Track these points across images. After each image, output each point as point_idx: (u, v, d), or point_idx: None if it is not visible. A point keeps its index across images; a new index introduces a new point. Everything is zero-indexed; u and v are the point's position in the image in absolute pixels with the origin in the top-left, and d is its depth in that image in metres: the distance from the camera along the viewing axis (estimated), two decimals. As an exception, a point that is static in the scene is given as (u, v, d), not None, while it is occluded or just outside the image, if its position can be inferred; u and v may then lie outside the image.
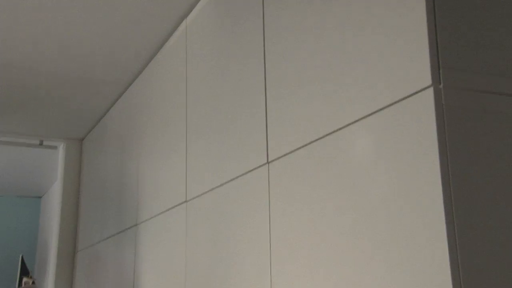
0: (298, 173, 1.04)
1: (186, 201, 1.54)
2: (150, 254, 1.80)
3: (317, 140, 0.99)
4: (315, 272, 0.97)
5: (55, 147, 2.88)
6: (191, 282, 1.46)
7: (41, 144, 2.80)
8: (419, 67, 0.76)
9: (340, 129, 0.92)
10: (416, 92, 0.76)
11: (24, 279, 3.16)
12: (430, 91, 0.73)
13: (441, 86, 0.74)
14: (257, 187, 1.18)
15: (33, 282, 3.17)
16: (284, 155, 1.09)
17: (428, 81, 0.74)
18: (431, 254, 0.72)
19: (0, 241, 3.70)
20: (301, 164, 1.03)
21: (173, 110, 1.72)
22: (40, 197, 4.10)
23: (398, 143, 0.80)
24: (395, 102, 0.80)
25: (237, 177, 1.27)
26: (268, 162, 1.14)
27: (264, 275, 1.12)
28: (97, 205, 2.44)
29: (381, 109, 0.83)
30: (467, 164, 0.73)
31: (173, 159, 1.68)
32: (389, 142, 0.81)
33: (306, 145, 1.02)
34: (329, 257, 0.93)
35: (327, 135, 0.96)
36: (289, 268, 1.04)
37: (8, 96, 2.27)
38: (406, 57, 0.78)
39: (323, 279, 0.94)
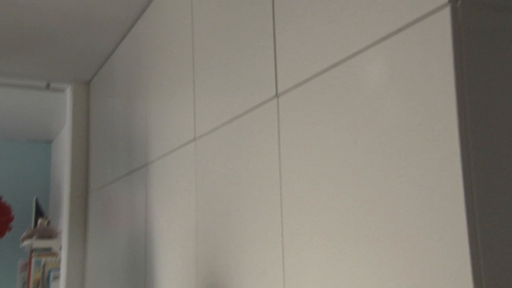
0: (308, 105, 1.02)
1: (194, 139, 1.53)
2: (161, 193, 1.82)
3: (328, 69, 0.96)
4: (326, 203, 0.97)
5: (62, 90, 2.86)
6: (202, 220, 1.47)
7: (48, 87, 2.79)
8: (436, -14, 0.72)
9: (351, 56, 0.89)
10: (432, 12, 0.72)
11: (39, 220, 3.23)
12: (447, 10, 0.70)
13: (458, 4, 0.70)
14: (266, 121, 1.16)
15: (48, 223, 3.24)
16: (294, 87, 1.06)
17: None
18: (446, 181, 0.71)
19: (14, 185, 3.76)
20: (311, 96, 1.01)
21: (179, 47, 1.68)
22: (50, 142, 4.13)
23: (412, 68, 0.77)
24: (409, 25, 0.76)
25: (245, 112, 1.25)
26: (277, 95, 1.12)
27: (274, 210, 1.12)
28: (107, 147, 2.45)
29: (393, 33, 0.79)
30: (485, 89, 0.71)
31: (180, 97, 1.66)
32: (403, 67, 0.78)
33: (316, 75, 0.99)
34: (341, 189, 0.93)
35: (338, 63, 0.93)
36: (300, 200, 1.04)
37: (12, 37, 2.24)
38: (422, -24, 0.74)
39: (335, 211, 0.94)
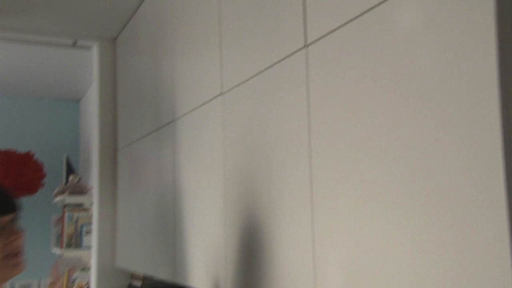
0: (338, 54, 0.99)
1: (222, 94, 1.52)
2: (188, 148, 1.83)
3: (360, 15, 0.93)
4: (357, 156, 0.95)
5: (88, 48, 2.87)
6: (229, 174, 1.48)
7: (74, 44, 2.79)
8: None
9: (383, 1, 0.86)
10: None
11: (71, 177, 3.30)
12: None
13: None
14: (295, 73, 1.14)
15: (79, 180, 3.32)
16: (324, 36, 1.03)
17: None
18: (483, 131, 0.68)
19: (45, 143, 3.84)
20: (342, 45, 0.98)
21: (205, 1, 1.65)
22: (78, 101, 4.18)
23: (449, 12, 0.73)
24: (448, -34, 0.73)
25: (273, 64, 1.23)
26: (306, 45, 1.09)
27: (303, 163, 1.12)
28: (134, 104, 2.47)
29: (431, -25, 0.76)
30: (526, 32, 0.67)
31: (207, 52, 1.64)
32: (439, 11, 0.75)
33: (347, 22, 0.96)
34: (373, 141, 0.91)
35: (370, 9, 0.90)
36: (329, 153, 1.03)
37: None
38: None
39: (366, 163, 0.93)
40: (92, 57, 2.89)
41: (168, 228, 1.95)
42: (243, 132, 1.40)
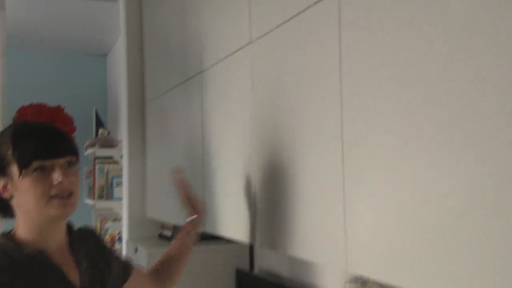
0: (372, -3, 0.96)
1: (250, 42, 1.50)
2: (216, 99, 1.82)
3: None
4: (389, 101, 0.94)
5: (115, 0, 2.85)
6: (258, 126, 1.48)
7: (100, -4, 2.78)
8: None
9: None
10: None
11: (100, 130, 3.36)
12: None
13: None
14: (327, 18, 1.11)
15: (108, 133, 3.37)
16: (357, -22, 1.00)
17: None
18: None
19: (74, 97, 3.89)
20: (376, -13, 0.95)
21: None
22: (105, 55, 4.19)
23: None
24: None
25: (303, 10, 1.20)
26: (338, -11, 1.06)
27: (333, 110, 1.10)
28: (161, 56, 2.46)
29: None
30: None
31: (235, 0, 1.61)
32: None
33: (382, -37, 0.93)
34: (406, 85, 0.89)
35: None
36: (361, 101, 1.01)
37: None
38: None
39: (400, 108, 0.91)
40: (119, 10, 2.87)
41: (197, 178, 1.98)
42: (272, 82, 1.38)
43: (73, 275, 1.20)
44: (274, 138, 1.39)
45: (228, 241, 2.34)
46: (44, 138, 1.14)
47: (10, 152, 1.13)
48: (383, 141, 0.96)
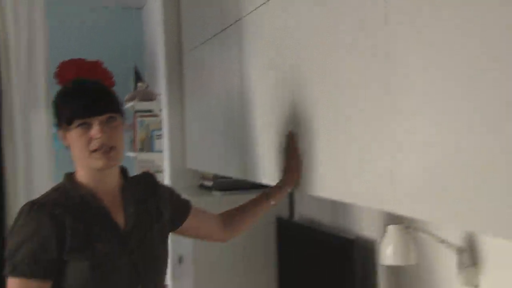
0: None
1: (289, -14, 1.47)
2: (254, 48, 1.81)
3: None
4: (437, 26, 0.91)
5: (149, -50, 2.82)
6: (297, 76, 1.46)
7: None
8: None
9: None
10: None
11: (139, 84, 3.40)
12: None
13: None
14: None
15: (147, 87, 3.41)
16: None
17: None
18: None
19: (111, 52, 3.90)
20: None
21: None
22: (141, 8, 4.19)
23: None
24: None
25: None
26: None
27: (379, 40, 1.08)
28: (197, 6, 2.44)
29: None
30: None
31: None
32: None
33: None
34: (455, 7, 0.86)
35: None
36: (407, 19, 0.99)
37: None
38: None
39: (448, 35, 0.89)
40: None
41: (237, 128, 1.99)
42: (313, 27, 1.36)
43: (119, 218, 1.32)
44: (315, 85, 1.38)
45: (268, 190, 2.37)
46: (86, 98, 1.27)
47: (60, 110, 1.31)
48: (432, 83, 0.94)
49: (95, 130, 1.25)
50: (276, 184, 1.58)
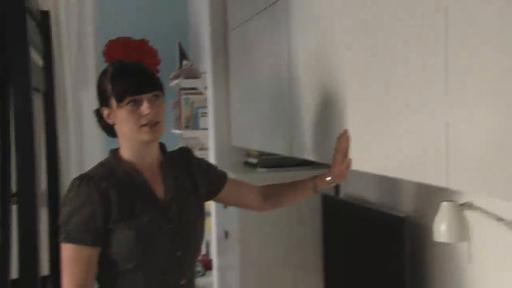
0: None
1: (340, -41, 1.44)
2: (303, 27, 1.79)
3: None
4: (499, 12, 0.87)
5: None
6: (350, 50, 1.44)
7: None
8: None
9: None
10: None
11: (184, 62, 3.43)
12: None
13: None
14: None
15: (191, 65, 3.43)
16: None
17: None
18: None
19: (157, 30, 3.94)
20: None
21: None
22: (185, -14, 4.20)
23: None
24: None
25: None
26: None
27: (437, 20, 1.05)
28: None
29: None
30: None
31: None
32: None
33: None
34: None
35: None
36: (468, 13, 0.95)
37: None
38: None
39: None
40: None
41: (284, 104, 1.98)
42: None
43: (159, 190, 1.42)
44: (370, 57, 1.36)
45: (315, 167, 2.36)
46: (135, 77, 1.37)
47: (109, 88, 1.37)
48: (489, 54, 0.90)
49: (145, 107, 1.35)
50: (325, 174, 1.63)
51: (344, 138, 1.47)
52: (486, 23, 0.91)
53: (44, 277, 2.19)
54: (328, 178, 1.61)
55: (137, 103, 1.35)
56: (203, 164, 1.60)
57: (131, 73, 1.38)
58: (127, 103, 1.34)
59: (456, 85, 1.00)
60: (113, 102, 1.36)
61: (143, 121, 1.35)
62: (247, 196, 1.67)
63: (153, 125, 1.36)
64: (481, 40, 0.93)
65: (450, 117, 1.02)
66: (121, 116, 1.36)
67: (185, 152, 1.58)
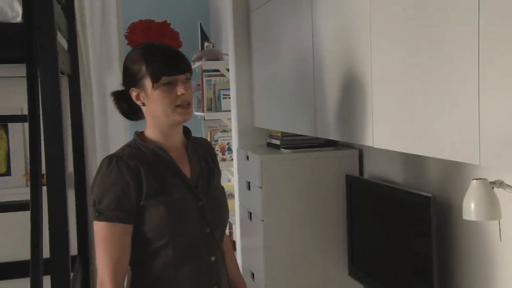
0: None
1: None
2: (326, 8, 1.77)
3: None
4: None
5: None
6: (380, 33, 1.42)
7: None
8: None
9: None
10: None
11: (206, 44, 3.42)
12: None
13: None
14: None
15: (213, 46, 3.43)
16: None
17: None
18: None
19: (178, 12, 3.94)
20: None
21: None
22: (205, -32, 4.16)
23: None
24: None
25: None
26: None
27: (470, 12, 1.03)
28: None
29: None
30: None
31: None
32: None
33: None
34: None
35: None
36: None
37: None
38: None
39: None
40: None
41: (308, 86, 1.97)
42: None
43: (185, 168, 1.45)
44: (395, 37, 1.34)
45: (339, 148, 2.36)
46: (170, 58, 1.37)
47: (143, 68, 1.37)
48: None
49: (180, 88, 1.37)
50: None
51: None
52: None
53: (73, 257, 2.23)
54: None
55: (172, 84, 1.36)
56: (217, 163, 1.61)
57: (166, 54, 1.38)
58: (163, 84, 1.35)
59: (488, 61, 0.99)
60: (147, 82, 1.37)
61: (178, 102, 1.37)
62: None
63: (186, 106, 1.39)
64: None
65: (482, 94, 1.01)
66: (155, 96, 1.37)
67: (207, 143, 1.65)
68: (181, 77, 1.37)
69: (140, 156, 1.39)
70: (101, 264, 1.34)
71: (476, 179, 1.19)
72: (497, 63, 0.97)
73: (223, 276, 1.49)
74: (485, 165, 1.02)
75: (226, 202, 1.54)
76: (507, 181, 1.22)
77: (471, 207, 1.17)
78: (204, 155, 1.53)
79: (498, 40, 0.96)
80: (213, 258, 1.44)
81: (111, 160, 1.37)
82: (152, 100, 1.38)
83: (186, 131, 1.52)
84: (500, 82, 0.96)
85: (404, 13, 1.28)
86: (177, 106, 1.37)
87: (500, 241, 1.35)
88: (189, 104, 1.39)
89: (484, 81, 1.00)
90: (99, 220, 1.34)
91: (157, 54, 1.38)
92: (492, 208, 1.16)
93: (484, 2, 0.99)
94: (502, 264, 1.47)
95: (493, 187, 1.19)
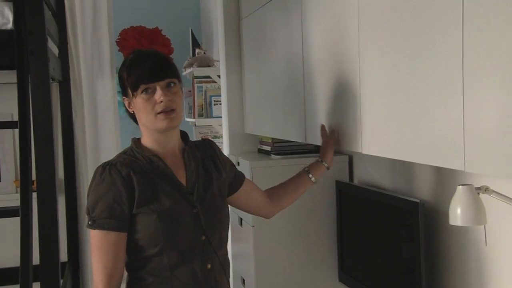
0: None
1: None
2: (316, 13, 1.79)
3: None
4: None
5: None
6: (368, 37, 1.44)
7: None
8: None
9: None
10: None
11: (197, 50, 3.43)
12: None
13: None
14: None
15: (204, 52, 3.44)
16: None
17: None
18: None
19: (169, 18, 3.95)
20: None
21: None
22: (196, -25, 4.19)
23: None
24: None
25: None
26: None
27: (454, 4, 1.05)
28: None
29: None
30: None
31: None
32: None
33: None
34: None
35: None
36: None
37: None
38: None
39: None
40: None
41: (298, 92, 1.99)
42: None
43: (181, 176, 1.43)
44: (384, 43, 1.36)
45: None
46: (147, 66, 1.36)
47: (125, 77, 1.39)
48: (504, 37, 0.90)
49: (158, 94, 1.35)
50: (317, 162, 1.76)
51: (323, 132, 1.73)
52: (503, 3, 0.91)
53: (63, 263, 2.23)
54: (323, 165, 1.74)
55: (151, 92, 1.35)
56: (227, 160, 1.59)
57: (144, 61, 1.37)
58: (141, 92, 1.35)
59: (472, 69, 1.00)
60: (129, 91, 1.38)
61: (158, 109, 1.35)
62: (257, 198, 1.66)
63: (169, 112, 1.36)
64: (499, 19, 0.93)
65: (466, 100, 1.02)
66: (137, 105, 1.38)
67: (210, 142, 1.59)
68: (161, 83, 1.35)
69: (134, 164, 1.39)
70: (96, 271, 1.35)
71: (462, 185, 1.21)
72: (481, 70, 0.98)
73: (221, 284, 1.46)
74: (470, 171, 1.04)
75: (226, 207, 1.51)
76: (492, 187, 1.24)
77: (457, 213, 1.19)
78: (203, 160, 1.50)
79: (482, 46, 0.98)
80: (209, 266, 1.42)
81: (105, 168, 1.37)
82: (137, 108, 1.39)
83: (184, 136, 1.50)
84: (484, 90, 0.98)
85: (391, 22, 1.30)
86: (158, 113, 1.36)
87: (486, 245, 1.37)
88: (173, 110, 1.37)
89: (468, 89, 1.02)
90: (93, 228, 1.34)
91: (136, 62, 1.38)
92: (477, 214, 1.18)
93: (468, 10, 1.01)
94: (488, 268, 1.49)
95: (478, 193, 1.21)
